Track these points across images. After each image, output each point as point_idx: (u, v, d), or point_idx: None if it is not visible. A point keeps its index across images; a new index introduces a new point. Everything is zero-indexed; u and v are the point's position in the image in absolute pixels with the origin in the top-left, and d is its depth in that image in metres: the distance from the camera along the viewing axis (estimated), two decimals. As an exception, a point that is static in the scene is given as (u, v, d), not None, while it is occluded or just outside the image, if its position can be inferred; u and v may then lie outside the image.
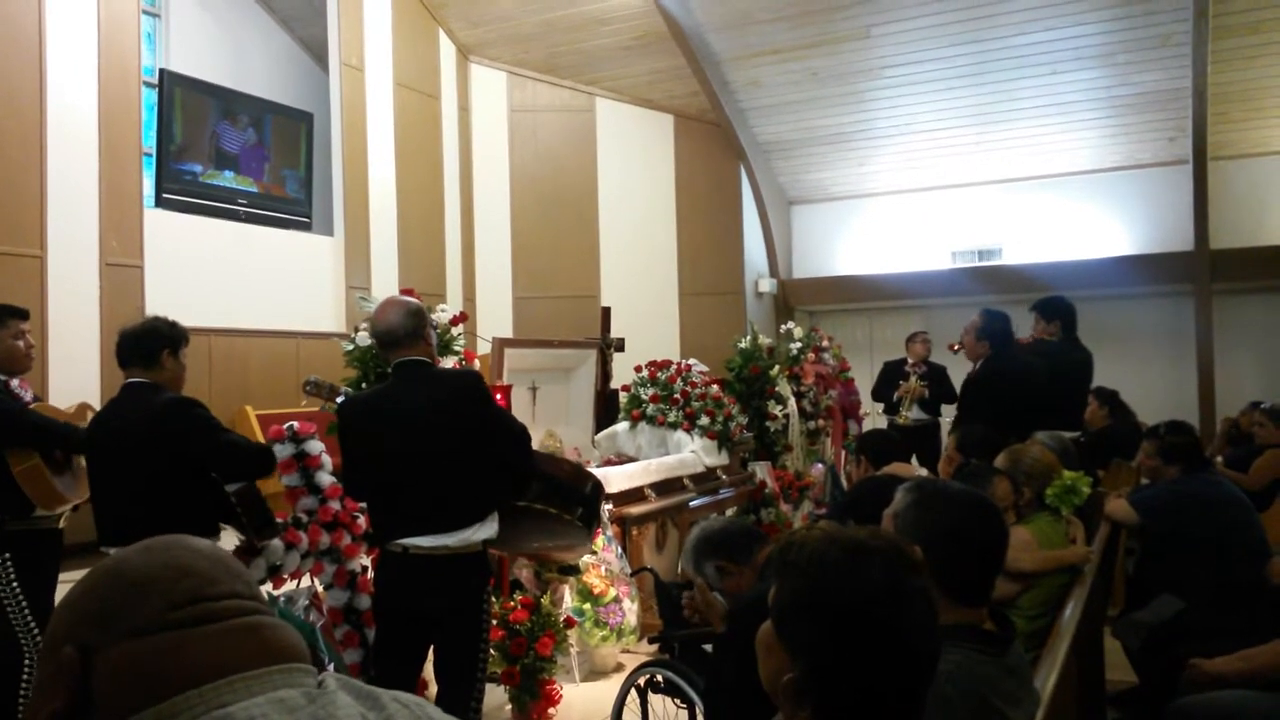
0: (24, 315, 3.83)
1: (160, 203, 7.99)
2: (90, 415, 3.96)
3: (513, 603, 4.24)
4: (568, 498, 3.43)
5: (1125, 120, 9.48)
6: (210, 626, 0.84)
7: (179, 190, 8.17)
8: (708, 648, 3.21)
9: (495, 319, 10.29)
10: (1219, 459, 6.38)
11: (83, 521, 5.45)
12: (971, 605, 1.82)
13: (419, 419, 3.05)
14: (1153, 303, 10.02)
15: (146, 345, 3.30)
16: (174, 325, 3.40)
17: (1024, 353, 5.27)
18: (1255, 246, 9.32)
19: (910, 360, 8.26)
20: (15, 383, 3.79)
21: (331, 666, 3.59)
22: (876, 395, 8.44)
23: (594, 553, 4.68)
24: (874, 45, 9.28)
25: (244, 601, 0.88)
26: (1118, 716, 3.98)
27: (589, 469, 5.05)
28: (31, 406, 3.76)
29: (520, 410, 6.21)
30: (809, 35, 9.31)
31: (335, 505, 3.82)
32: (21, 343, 3.81)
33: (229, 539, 3.49)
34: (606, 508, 4.80)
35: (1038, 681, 1.98)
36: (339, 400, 3.53)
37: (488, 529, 3.14)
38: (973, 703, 1.66)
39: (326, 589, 3.81)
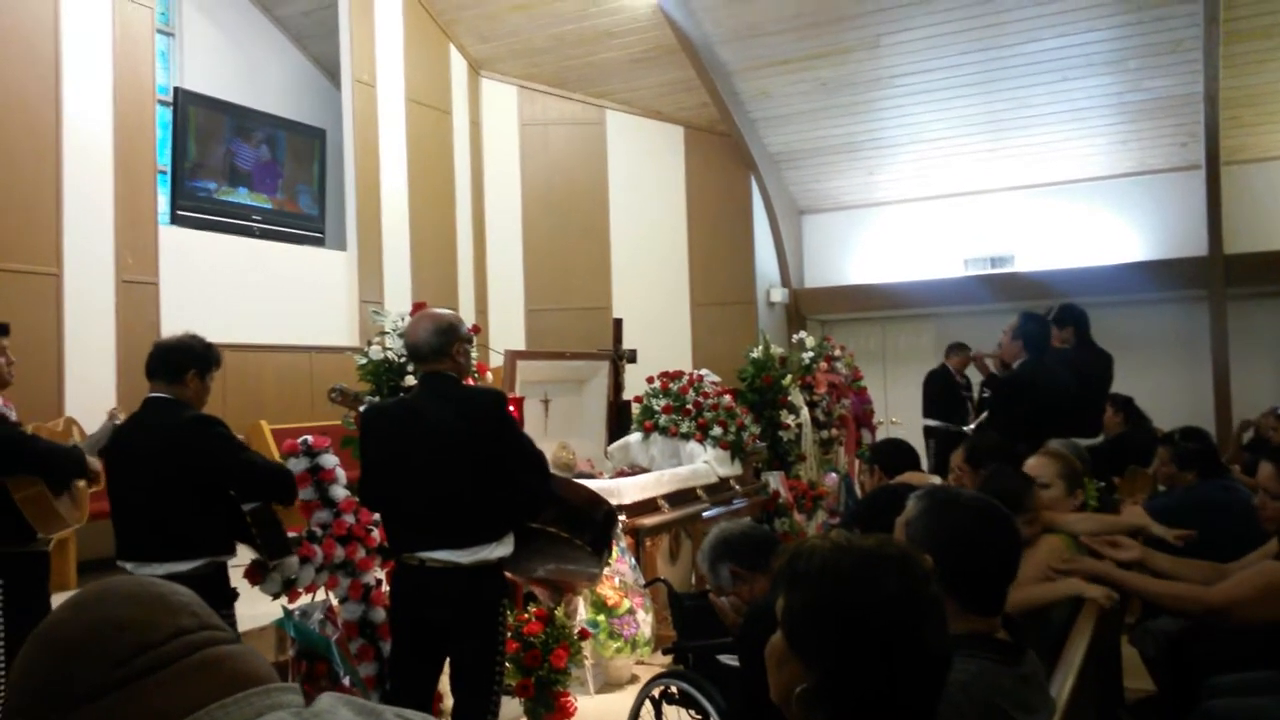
0: (3, 331, 3.74)
1: (175, 220, 8.05)
2: (76, 431, 3.94)
3: (527, 615, 4.24)
4: (579, 523, 3.42)
5: (1137, 126, 9.45)
6: (162, 673, 0.81)
7: (194, 207, 8.23)
8: (722, 658, 3.20)
9: (507, 331, 10.30)
10: (1236, 465, 6.34)
11: (95, 538, 5.49)
12: (985, 614, 1.82)
13: (438, 432, 3.05)
14: (1167, 308, 9.95)
15: (174, 360, 3.29)
16: (209, 347, 3.38)
17: (1056, 362, 5.21)
18: (1270, 251, 9.25)
19: (954, 370, 8.22)
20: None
21: (347, 680, 3.60)
22: (930, 411, 8.23)
23: (608, 565, 4.68)
24: (883, 54, 9.27)
25: (192, 637, 0.84)
26: (1136, 725, 3.94)
27: (602, 481, 5.05)
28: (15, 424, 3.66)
29: (533, 422, 6.23)
30: (818, 45, 9.32)
31: (349, 519, 3.82)
32: (3, 359, 3.72)
33: (245, 555, 3.51)
34: (620, 519, 4.79)
35: (1053, 689, 1.97)
36: (362, 409, 3.54)
37: (503, 548, 3.13)
38: (986, 711, 1.65)
39: (341, 602, 3.81)
